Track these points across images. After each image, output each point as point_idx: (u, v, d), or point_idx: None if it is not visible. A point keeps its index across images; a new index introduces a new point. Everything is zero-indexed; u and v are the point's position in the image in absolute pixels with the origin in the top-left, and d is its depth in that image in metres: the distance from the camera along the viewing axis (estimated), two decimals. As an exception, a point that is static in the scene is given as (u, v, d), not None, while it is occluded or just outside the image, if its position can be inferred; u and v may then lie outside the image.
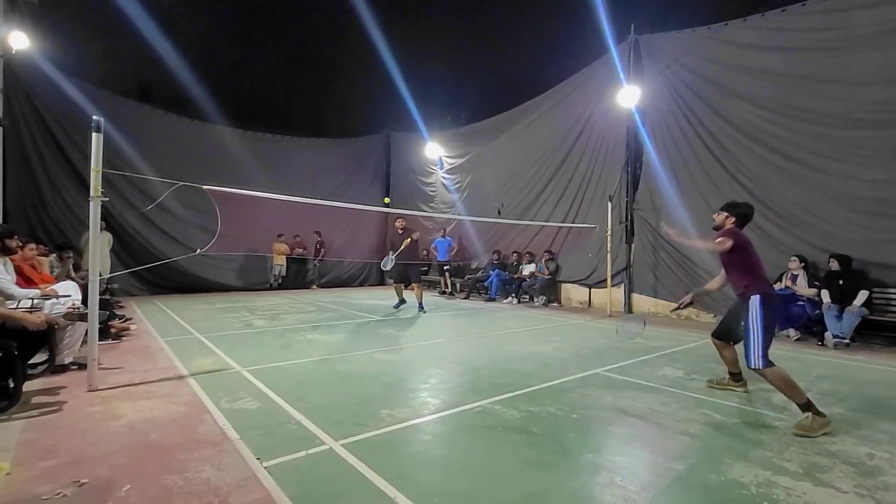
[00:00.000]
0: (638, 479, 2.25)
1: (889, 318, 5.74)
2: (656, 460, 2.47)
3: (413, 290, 8.40)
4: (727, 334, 3.75)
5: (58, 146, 9.83)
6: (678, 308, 3.98)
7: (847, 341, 5.61)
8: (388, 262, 8.15)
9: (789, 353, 5.38)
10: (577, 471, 2.34)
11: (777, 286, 6.40)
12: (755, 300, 3.23)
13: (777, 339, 6.16)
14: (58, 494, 2.03)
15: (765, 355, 3.12)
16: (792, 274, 6.35)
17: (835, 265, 5.96)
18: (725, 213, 3.62)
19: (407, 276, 8.43)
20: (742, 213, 3.59)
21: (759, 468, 2.37)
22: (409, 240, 8.15)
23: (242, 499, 2.01)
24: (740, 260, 3.41)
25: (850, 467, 2.40)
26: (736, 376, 3.80)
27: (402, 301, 8.58)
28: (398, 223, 8.55)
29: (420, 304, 8.36)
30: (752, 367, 3.13)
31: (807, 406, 2.95)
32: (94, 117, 3.53)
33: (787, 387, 3.05)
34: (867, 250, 6.02)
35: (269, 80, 15.40)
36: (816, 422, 2.87)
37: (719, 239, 3.42)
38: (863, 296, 5.69)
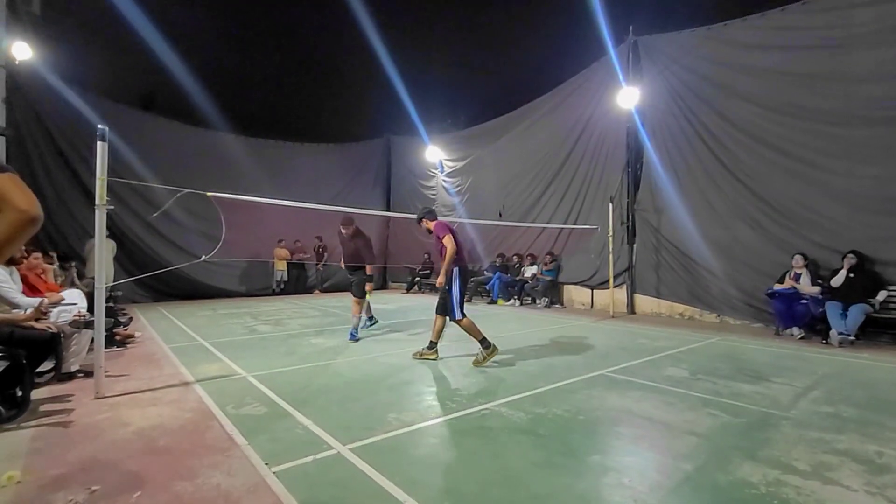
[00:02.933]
0: (647, 480, 2.25)
1: (894, 316, 5.73)
2: (664, 460, 2.47)
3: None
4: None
5: (61, 155, 9.88)
6: None
7: (852, 338, 5.60)
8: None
9: (794, 351, 5.38)
10: (585, 472, 2.34)
11: (780, 286, 6.40)
12: (456, 272, 4.68)
13: (781, 338, 6.20)
14: (70, 501, 2.04)
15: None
16: (795, 273, 6.35)
17: (852, 260, 5.91)
18: (425, 220, 5.03)
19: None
20: (429, 211, 5.12)
21: (767, 467, 2.37)
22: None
23: (253, 504, 2.02)
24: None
25: (859, 465, 2.40)
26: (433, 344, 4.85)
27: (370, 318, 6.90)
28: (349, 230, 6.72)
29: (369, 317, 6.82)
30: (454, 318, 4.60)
31: (484, 342, 4.56)
32: (99, 126, 3.55)
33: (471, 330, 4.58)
34: (870, 248, 6.01)
35: (271, 86, 15.51)
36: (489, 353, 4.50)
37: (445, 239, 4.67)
38: (882, 294, 5.70)
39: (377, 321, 7.01)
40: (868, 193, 6.11)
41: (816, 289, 6.11)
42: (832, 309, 5.77)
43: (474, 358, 4.60)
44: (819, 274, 6.35)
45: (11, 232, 1.18)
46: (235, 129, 12.63)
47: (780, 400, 3.50)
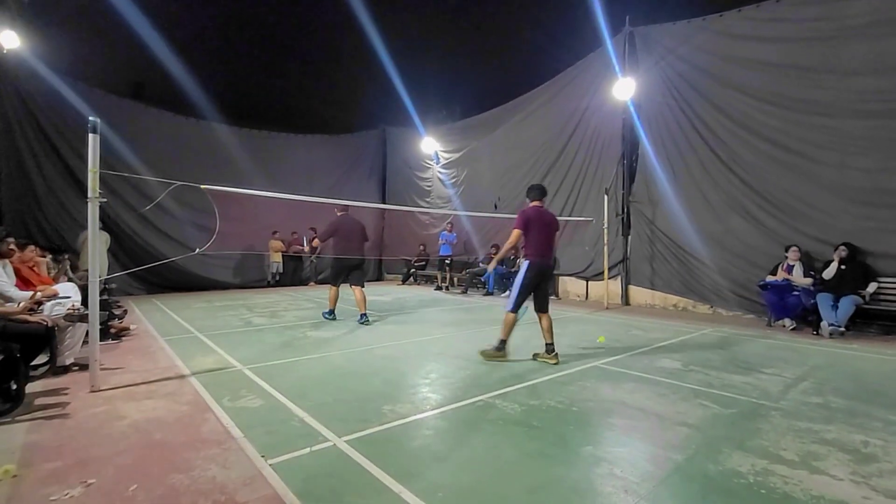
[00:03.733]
0: (638, 470, 2.29)
1: (883, 307, 5.81)
2: (655, 451, 2.51)
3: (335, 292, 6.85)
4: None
5: (51, 146, 9.76)
6: None
7: (842, 330, 5.68)
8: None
9: (785, 342, 5.45)
10: (578, 463, 2.38)
11: (773, 277, 6.46)
12: (525, 265, 4.51)
13: (773, 329, 6.27)
14: (66, 495, 2.05)
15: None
16: (788, 264, 6.40)
17: (843, 252, 5.97)
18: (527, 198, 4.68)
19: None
20: (530, 188, 4.68)
21: (756, 457, 2.41)
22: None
23: (249, 496, 2.04)
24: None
25: (845, 455, 2.45)
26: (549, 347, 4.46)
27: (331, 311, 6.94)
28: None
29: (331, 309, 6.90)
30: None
31: (503, 344, 4.46)
32: (91, 118, 3.51)
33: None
34: (861, 240, 6.07)
35: (264, 77, 15.32)
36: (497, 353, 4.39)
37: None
38: (872, 286, 5.77)
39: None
40: (860, 185, 6.15)
41: (808, 280, 6.17)
42: (823, 300, 5.84)
43: (484, 348, 4.58)
44: (812, 266, 6.41)
45: None
46: (228, 120, 12.50)
47: (770, 391, 3.56)
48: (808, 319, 6.16)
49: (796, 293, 6.19)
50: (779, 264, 6.53)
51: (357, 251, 6.75)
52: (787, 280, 6.30)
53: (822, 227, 6.46)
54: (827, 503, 1.99)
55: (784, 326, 6.32)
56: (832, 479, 2.19)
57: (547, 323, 4.48)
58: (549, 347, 4.45)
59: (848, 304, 5.69)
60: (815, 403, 3.27)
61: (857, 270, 5.89)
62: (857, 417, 3.00)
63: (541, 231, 4.49)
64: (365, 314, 6.57)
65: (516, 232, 4.44)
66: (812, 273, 6.26)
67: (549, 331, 4.47)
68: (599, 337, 3.69)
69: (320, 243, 7.12)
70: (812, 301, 5.98)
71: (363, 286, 6.72)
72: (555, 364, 4.31)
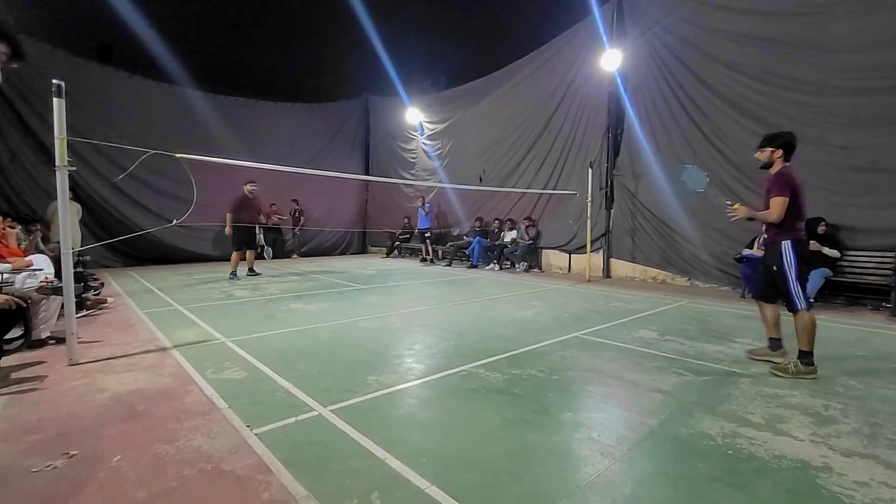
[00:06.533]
0: (614, 434, 2.38)
1: (849, 279, 6.05)
2: (631, 416, 2.61)
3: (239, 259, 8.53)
4: (767, 291, 3.59)
5: (13, 111, 9.26)
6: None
7: (811, 301, 5.88)
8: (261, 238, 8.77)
9: (757, 313, 5.63)
10: (557, 428, 2.47)
11: (749, 251, 6.64)
12: (787, 245, 3.36)
13: (746, 301, 6.48)
14: (48, 466, 2.05)
15: (806, 297, 3.33)
16: (764, 238, 6.56)
17: (822, 229, 6.11)
18: (770, 149, 3.45)
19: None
20: (787, 143, 3.44)
21: (725, 421, 2.54)
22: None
23: (235, 464, 2.06)
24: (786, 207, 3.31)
25: (807, 418, 2.59)
26: (775, 343, 3.60)
27: (251, 271, 8.79)
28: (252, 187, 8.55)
29: (236, 272, 8.43)
30: (798, 308, 3.32)
31: (806, 355, 3.25)
32: (55, 81, 3.32)
33: (809, 331, 3.27)
34: (833, 214, 6.25)
35: (240, 42, 14.64)
36: (801, 368, 3.23)
37: (774, 199, 3.35)
38: (834, 253, 5.97)
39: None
40: (835, 162, 6.29)
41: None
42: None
43: (778, 364, 3.38)
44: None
45: None
46: (204, 87, 11.99)
47: (741, 359, 3.71)
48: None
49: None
50: (755, 238, 6.70)
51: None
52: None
53: (798, 201, 6.60)
54: (788, 461, 2.11)
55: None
56: (794, 440, 2.32)
57: (773, 314, 3.66)
58: (776, 343, 3.62)
59: (818, 277, 5.90)
60: (782, 370, 3.42)
61: (828, 244, 6.08)
62: (819, 383, 3.17)
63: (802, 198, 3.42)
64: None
65: (782, 210, 3.35)
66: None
67: (777, 323, 3.63)
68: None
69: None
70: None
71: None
72: (814, 377, 3.25)
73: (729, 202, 3.70)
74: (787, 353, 3.51)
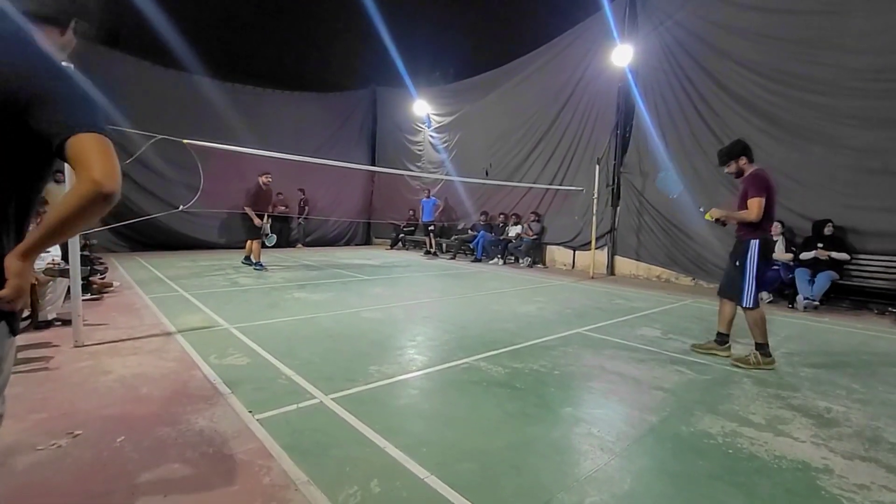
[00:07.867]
0: (614, 430, 2.39)
1: (855, 283, 6.00)
2: (631, 413, 2.61)
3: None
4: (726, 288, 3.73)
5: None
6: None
7: (816, 304, 5.87)
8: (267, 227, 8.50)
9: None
10: (557, 422, 2.47)
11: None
12: (754, 244, 3.49)
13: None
14: (52, 445, 2.07)
15: (757, 297, 3.51)
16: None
17: (828, 230, 6.07)
18: (734, 162, 3.62)
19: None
20: (744, 147, 3.63)
21: (726, 420, 2.53)
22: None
23: (236, 449, 2.08)
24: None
25: (808, 420, 2.58)
26: (723, 338, 3.75)
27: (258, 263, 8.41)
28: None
29: (250, 257, 8.35)
30: (745, 305, 3.51)
31: (762, 346, 3.45)
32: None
33: (760, 325, 3.46)
34: (841, 216, 6.18)
35: (250, 30, 14.55)
36: (760, 359, 3.42)
37: (752, 199, 3.44)
38: (843, 256, 5.92)
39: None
40: (846, 164, 6.21)
41: (789, 256, 6.32)
42: (801, 275, 6.01)
43: (738, 355, 3.56)
44: (793, 241, 6.54)
45: (77, 207, 0.97)
46: (213, 74, 11.96)
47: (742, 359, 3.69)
48: (784, 293, 6.34)
49: (776, 267, 6.34)
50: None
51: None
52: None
53: (806, 203, 6.54)
54: (788, 462, 2.11)
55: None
56: (795, 441, 2.31)
57: (730, 311, 3.75)
58: (723, 338, 3.76)
59: (824, 280, 5.86)
60: (785, 372, 3.41)
61: (835, 247, 6.03)
62: (822, 385, 3.15)
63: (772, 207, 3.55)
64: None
65: (760, 209, 3.41)
66: (794, 249, 6.39)
67: (731, 321, 3.76)
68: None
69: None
70: (790, 276, 6.15)
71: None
72: (771, 369, 3.43)
73: (702, 209, 3.90)
74: (732, 349, 3.73)
